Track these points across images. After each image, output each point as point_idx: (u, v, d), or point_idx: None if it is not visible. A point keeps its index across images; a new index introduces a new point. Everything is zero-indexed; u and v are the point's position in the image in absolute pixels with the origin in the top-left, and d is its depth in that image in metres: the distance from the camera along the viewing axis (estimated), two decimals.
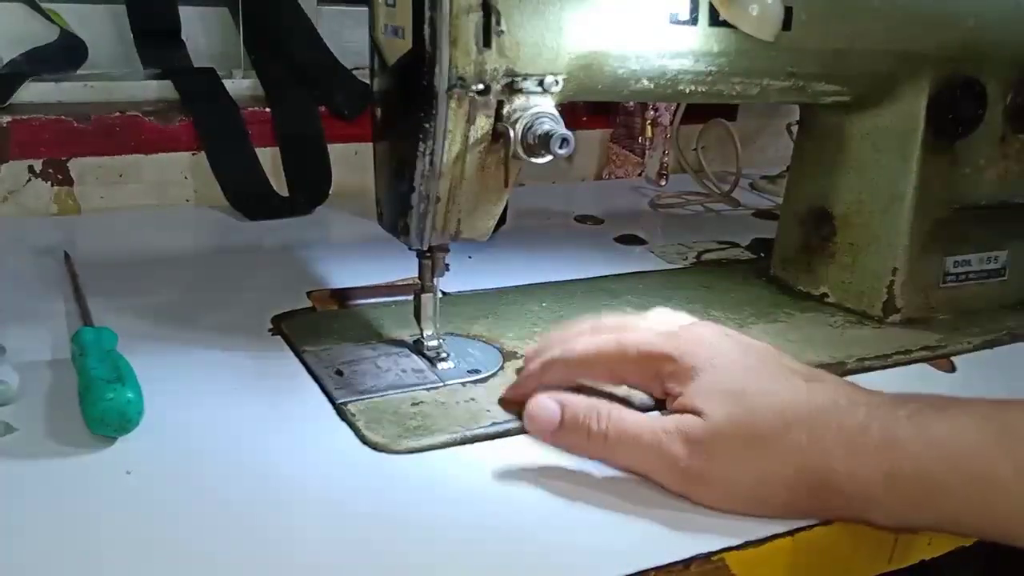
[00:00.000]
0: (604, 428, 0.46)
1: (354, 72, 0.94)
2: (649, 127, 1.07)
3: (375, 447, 0.48)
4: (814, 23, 0.59)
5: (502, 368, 0.57)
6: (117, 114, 0.85)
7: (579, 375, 0.50)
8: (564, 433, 0.47)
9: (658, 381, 0.47)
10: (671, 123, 1.06)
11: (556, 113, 0.51)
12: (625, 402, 0.50)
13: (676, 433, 0.44)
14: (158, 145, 0.86)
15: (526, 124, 0.50)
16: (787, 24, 0.58)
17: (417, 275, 0.56)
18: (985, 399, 0.43)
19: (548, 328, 0.62)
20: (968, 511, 0.41)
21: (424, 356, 0.57)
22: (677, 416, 0.44)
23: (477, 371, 0.56)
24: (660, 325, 0.50)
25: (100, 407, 0.46)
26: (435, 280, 0.56)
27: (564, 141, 0.49)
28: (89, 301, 0.61)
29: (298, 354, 0.57)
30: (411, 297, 0.57)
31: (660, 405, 0.49)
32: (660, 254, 0.82)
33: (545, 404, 0.48)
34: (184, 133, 0.87)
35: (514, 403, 0.51)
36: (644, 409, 0.49)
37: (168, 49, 0.92)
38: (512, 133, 0.50)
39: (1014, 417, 0.41)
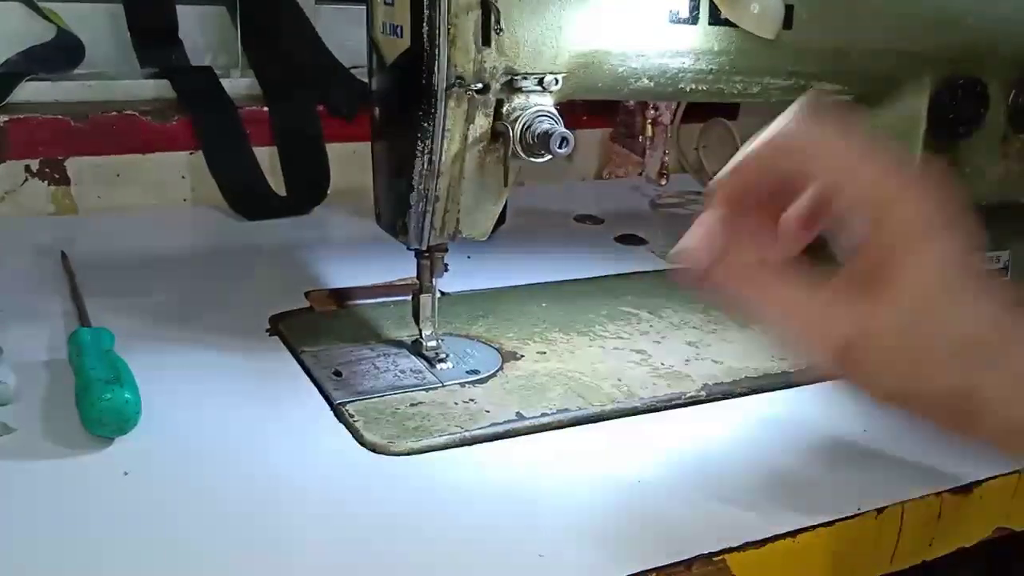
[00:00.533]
0: (758, 293, 0.41)
1: (352, 71, 0.94)
2: (649, 126, 1.06)
3: (373, 448, 0.48)
4: (815, 22, 0.59)
5: (501, 368, 0.56)
6: (114, 113, 0.85)
7: (788, 165, 0.41)
8: (715, 282, 0.41)
9: (861, 224, 0.40)
10: (672, 122, 1.06)
11: (555, 112, 0.51)
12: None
13: (835, 320, 0.39)
14: (155, 144, 0.86)
15: (525, 123, 0.50)
16: (788, 23, 0.58)
17: (416, 275, 0.56)
18: None
19: (548, 328, 0.62)
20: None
21: (423, 357, 0.56)
22: (844, 308, 0.39)
23: (476, 372, 0.56)
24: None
25: (98, 407, 0.46)
26: (434, 280, 0.56)
27: (564, 140, 0.49)
28: (86, 301, 0.61)
29: (296, 355, 0.57)
30: (410, 297, 0.57)
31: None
32: (660, 254, 0.82)
33: (699, 242, 0.42)
34: (182, 132, 0.87)
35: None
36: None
37: (165, 48, 0.92)
38: (511, 132, 0.50)
39: None
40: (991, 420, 0.39)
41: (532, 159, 0.50)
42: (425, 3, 0.47)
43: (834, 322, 0.40)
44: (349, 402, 0.51)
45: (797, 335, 0.41)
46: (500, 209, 0.55)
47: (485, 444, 0.49)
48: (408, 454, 0.47)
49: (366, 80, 0.56)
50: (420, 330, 0.57)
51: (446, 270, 0.56)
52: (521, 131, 0.50)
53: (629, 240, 0.86)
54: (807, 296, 0.41)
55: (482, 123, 0.51)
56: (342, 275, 0.71)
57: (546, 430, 0.50)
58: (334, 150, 0.91)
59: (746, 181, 0.43)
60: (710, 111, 1.04)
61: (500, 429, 0.50)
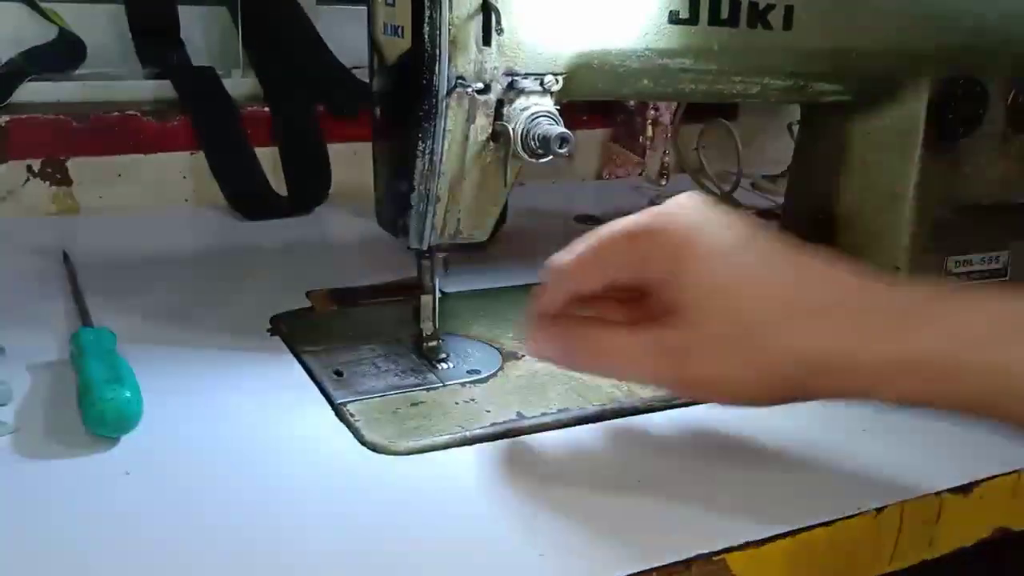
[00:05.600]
0: (590, 351, 0.45)
1: (353, 71, 0.94)
2: (650, 126, 1.07)
3: (374, 448, 0.48)
4: (814, 22, 0.59)
5: (502, 368, 0.56)
6: (116, 113, 0.85)
7: (578, 283, 0.46)
8: (560, 359, 0.47)
9: (647, 265, 0.43)
10: (672, 122, 1.06)
11: (556, 112, 0.51)
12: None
13: (652, 343, 0.42)
14: (157, 145, 0.86)
15: (526, 123, 0.50)
16: (788, 23, 0.58)
17: (416, 275, 0.56)
18: (998, 290, 0.41)
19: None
20: (980, 397, 0.39)
21: (423, 356, 0.57)
22: (656, 330, 0.42)
23: (477, 371, 0.56)
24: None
25: (99, 407, 0.46)
26: (435, 280, 0.56)
27: (564, 140, 0.49)
28: (88, 301, 0.61)
29: (297, 355, 0.57)
30: (410, 297, 0.57)
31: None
32: None
33: (544, 337, 0.46)
34: (183, 133, 0.87)
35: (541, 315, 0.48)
36: None
37: (167, 48, 0.92)
38: (512, 132, 0.50)
39: None
40: (858, 368, 0.40)
41: (532, 159, 0.50)
42: (426, 4, 0.47)
43: (644, 355, 0.42)
44: (350, 402, 0.51)
45: (632, 379, 0.46)
46: (500, 209, 0.55)
47: (486, 444, 0.49)
48: (408, 454, 0.47)
49: (367, 80, 0.56)
50: (421, 330, 0.57)
51: (447, 270, 0.56)
52: (522, 131, 0.50)
53: None
54: (630, 343, 0.43)
55: (483, 123, 0.51)
56: (342, 275, 0.71)
57: (546, 430, 0.51)
58: (334, 150, 0.92)
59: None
60: (710, 111, 1.04)
61: (500, 429, 0.50)
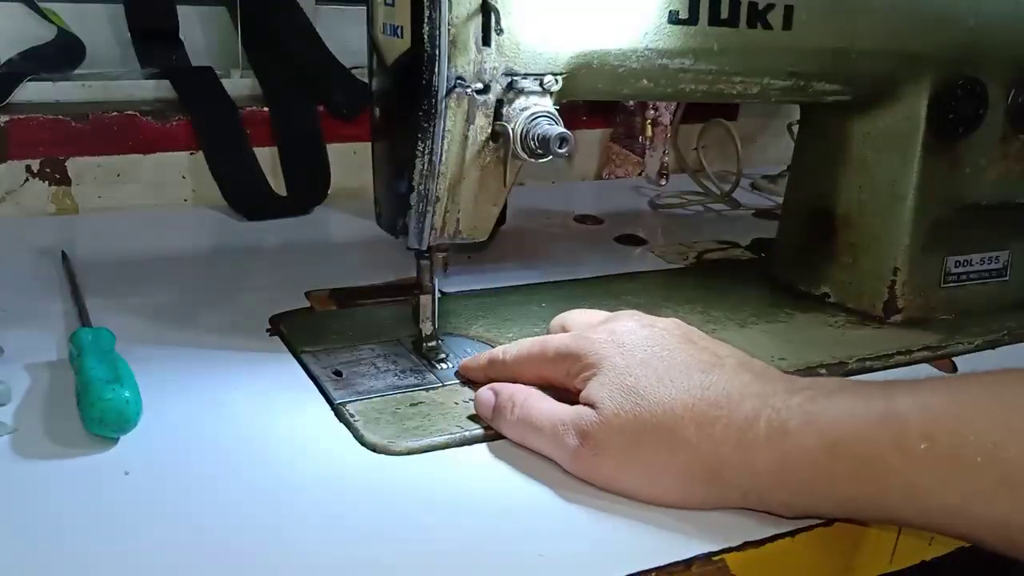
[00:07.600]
0: (516, 415, 0.48)
1: (352, 71, 0.94)
2: (649, 126, 1.07)
3: (373, 448, 0.48)
4: (815, 22, 0.59)
5: None
6: (115, 113, 0.85)
7: (513, 375, 0.51)
8: (492, 418, 0.49)
9: (570, 379, 0.48)
10: (671, 122, 1.06)
11: (555, 112, 0.51)
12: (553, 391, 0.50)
13: (571, 425, 0.45)
14: (156, 145, 0.86)
15: (525, 124, 0.50)
16: (788, 23, 0.58)
17: (416, 275, 0.56)
18: (879, 381, 0.43)
19: (548, 329, 0.62)
20: (860, 496, 0.40)
21: (423, 357, 0.57)
22: (576, 409, 0.46)
23: None
24: (592, 319, 0.52)
25: (98, 407, 0.46)
26: (434, 280, 0.56)
27: (563, 141, 0.49)
28: (87, 301, 0.61)
29: (296, 355, 0.57)
30: (410, 297, 0.57)
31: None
32: (660, 254, 0.82)
33: (484, 392, 0.50)
34: (182, 133, 0.87)
35: (464, 377, 0.54)
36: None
37: (166, 48, 0.92)
38: (511, 133, 0.50)
39: (899, 399, 0.41)
40: (743, 480, 0.42)
41: (532, 159, 0.51)
42: (425, 4, 0.47)
43: (563, 431, 0.45)
44: (349, 402, 0.51)
45: (545, 452, 0.47)
46: (500, 209, 0.55)
47: (485, 444, 0.49)
48: (408, 454, 0.47)
49: (366, 81, 0.56)
50: (420, 330, 0.57)
51: (445, 270, 0.56)
52: (521, 132, 0.50)
53: (629, 240, 0.86)
54: (547, 412, 0.47)
55: (482, 123, 0.51)
56: (342, 275, 0.71)
57: None
58: (334, 150, 0.92)
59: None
60: (710, 111, 1.04)
61: None
